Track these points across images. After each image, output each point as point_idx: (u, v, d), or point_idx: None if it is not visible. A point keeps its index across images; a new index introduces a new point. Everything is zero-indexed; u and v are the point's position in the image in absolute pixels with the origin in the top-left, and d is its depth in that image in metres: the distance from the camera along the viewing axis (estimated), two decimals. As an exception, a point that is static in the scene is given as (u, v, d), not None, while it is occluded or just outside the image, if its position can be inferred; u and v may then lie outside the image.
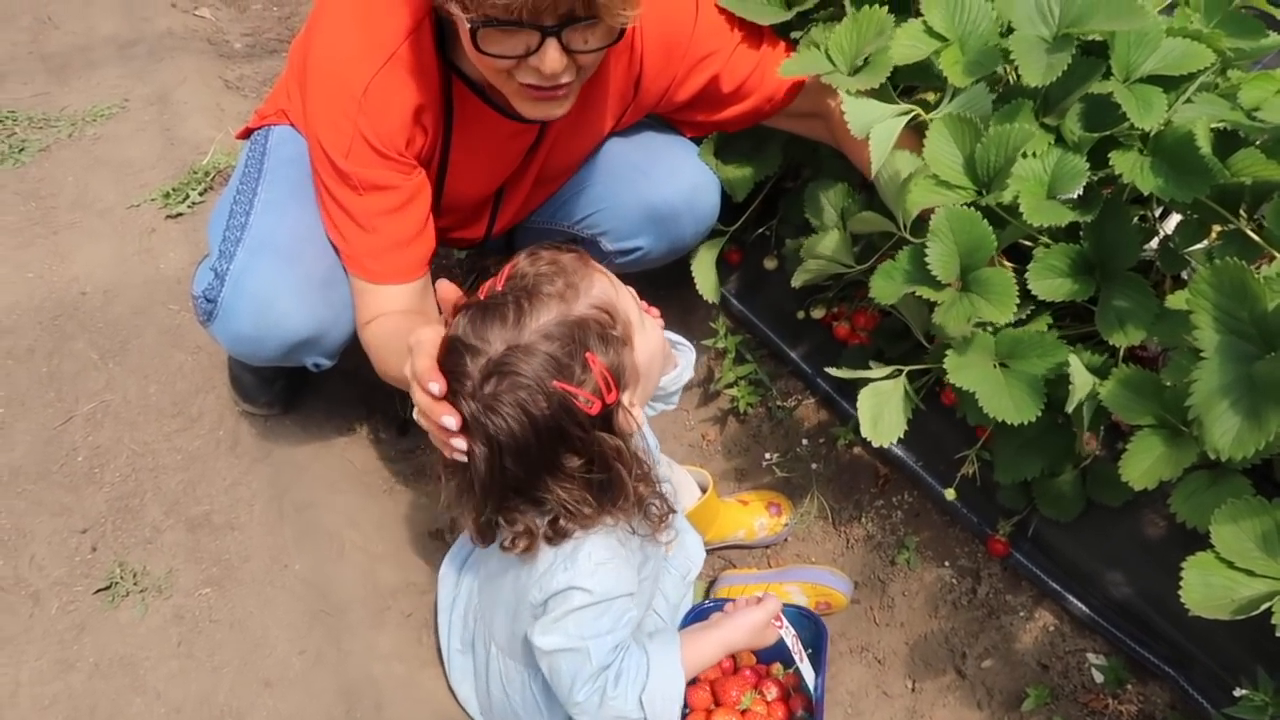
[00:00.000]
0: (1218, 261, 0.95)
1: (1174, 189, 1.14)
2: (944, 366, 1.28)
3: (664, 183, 1.63)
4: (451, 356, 1.08)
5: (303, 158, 1.43)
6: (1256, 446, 0.89)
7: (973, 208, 1.22)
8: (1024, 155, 1.21)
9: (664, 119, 1.65)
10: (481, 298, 1.11)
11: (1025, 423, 1.23)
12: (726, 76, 1.49)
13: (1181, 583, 0.99)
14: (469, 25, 1.15)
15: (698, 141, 1.70)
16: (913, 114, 1.27)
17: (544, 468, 1.10)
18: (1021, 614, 1.44)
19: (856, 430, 1.66)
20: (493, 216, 1.65)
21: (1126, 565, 1.35)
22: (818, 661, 1.34)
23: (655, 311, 1.24)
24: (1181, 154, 1.15)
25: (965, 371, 1.27)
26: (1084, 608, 1.38)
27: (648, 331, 1.17)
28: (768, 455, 1.73)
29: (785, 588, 1.53)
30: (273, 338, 1.44)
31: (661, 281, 1.86)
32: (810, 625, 1.38)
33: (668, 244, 1.69)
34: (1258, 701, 1.06)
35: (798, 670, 1.31)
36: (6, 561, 1.60)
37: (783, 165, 1.71)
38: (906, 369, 1.38)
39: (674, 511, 1.25)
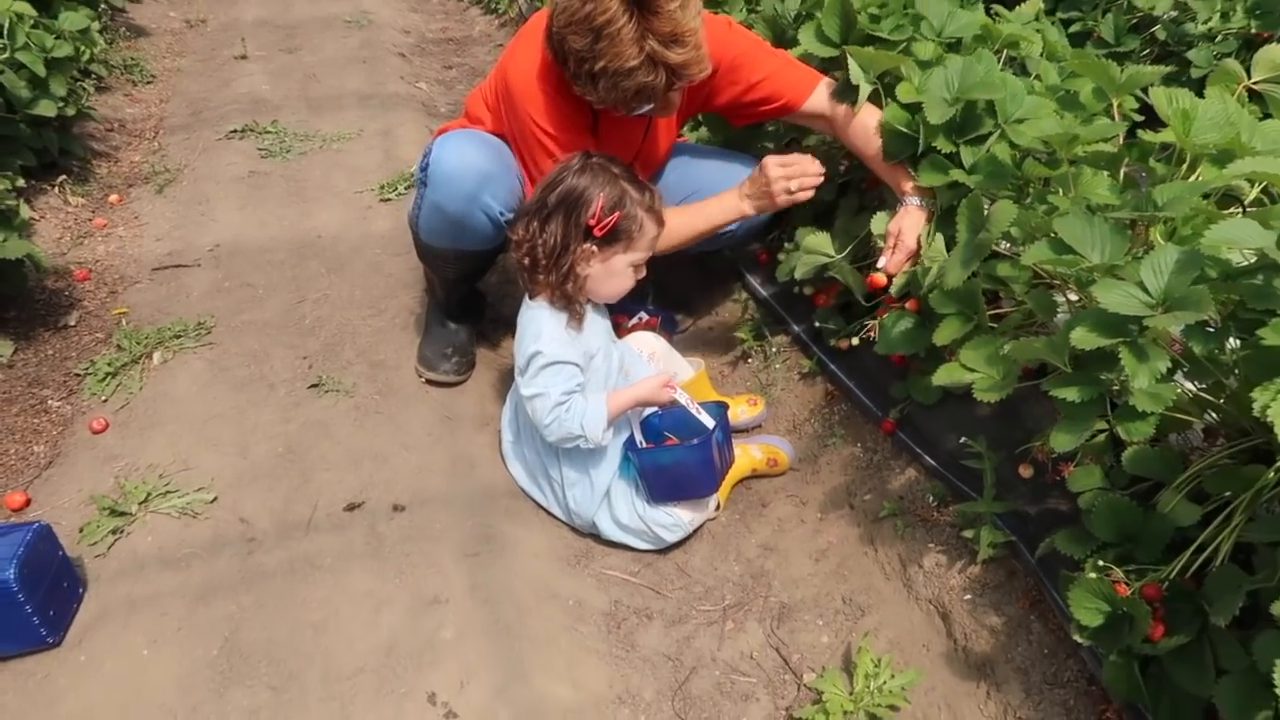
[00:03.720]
0: (972, 194, 1.72)
1: (988, 183, 1.90)
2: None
3: None
4: (602, 155, 1.98)
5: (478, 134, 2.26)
6: (963, 279, 1.64)
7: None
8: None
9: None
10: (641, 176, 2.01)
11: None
12: (755, 88, 2.17)
13: (934, 374, 1.71)
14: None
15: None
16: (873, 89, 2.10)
17: (555, 210, 1.92)
18: (896, 470, 2.13)
19: (820, 364, 2.43)
20: None
21: (960, 431, 2.04)
22: (724, 432, 2.06)
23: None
24: (998, 165, 1.91)
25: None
26: (933, 462, 2.06)
27: (624, 272, 2.00)
28: (751, 356, 2.49)
29: (749, 445, 2.26)
30: (469, 172, 2.10)
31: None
32: (719, 409, 2.10)
33: (746, 228, 2.38)
34: (975, 449, 1.75)
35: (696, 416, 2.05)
36: (256, 367, 2.50)
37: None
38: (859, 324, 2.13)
39: (583, 315, 2.00)
